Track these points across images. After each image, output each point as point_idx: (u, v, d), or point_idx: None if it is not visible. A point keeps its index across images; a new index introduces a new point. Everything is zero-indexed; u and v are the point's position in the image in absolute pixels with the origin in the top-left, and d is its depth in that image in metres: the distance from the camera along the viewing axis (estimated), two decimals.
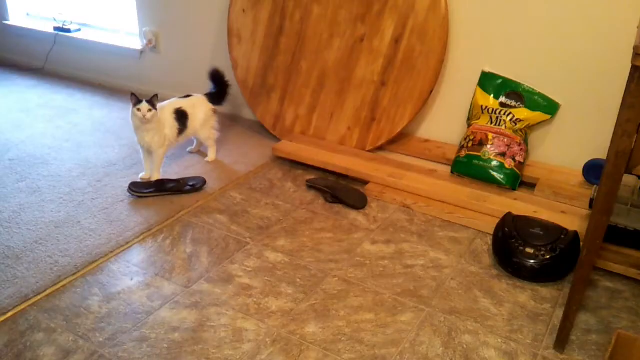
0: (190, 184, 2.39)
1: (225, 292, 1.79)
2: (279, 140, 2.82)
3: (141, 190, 2.33)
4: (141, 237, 2.07)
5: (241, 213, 2.25)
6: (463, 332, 1.66)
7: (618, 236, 1.94)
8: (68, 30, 3.66)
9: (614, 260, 1.89)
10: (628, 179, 1.99)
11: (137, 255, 1.96)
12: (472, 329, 1.67)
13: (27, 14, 3.99)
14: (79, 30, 3.71)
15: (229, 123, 3.12)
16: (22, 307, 1.70)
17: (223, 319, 1.67)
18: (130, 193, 2.33)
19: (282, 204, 2.34)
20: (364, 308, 1.74)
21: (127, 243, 2.02)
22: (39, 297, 1.74)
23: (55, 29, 3.69)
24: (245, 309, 1.71)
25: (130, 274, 1.86)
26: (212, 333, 1.61)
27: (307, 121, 2.82)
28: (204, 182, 2.43)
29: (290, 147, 2.69)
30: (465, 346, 1.60)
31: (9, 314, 1.67)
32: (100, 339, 1.58)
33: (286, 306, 1.74)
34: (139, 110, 2.28)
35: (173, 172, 2.54)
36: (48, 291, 1.77)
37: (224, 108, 3.23)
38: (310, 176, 2.54)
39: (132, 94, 2.29)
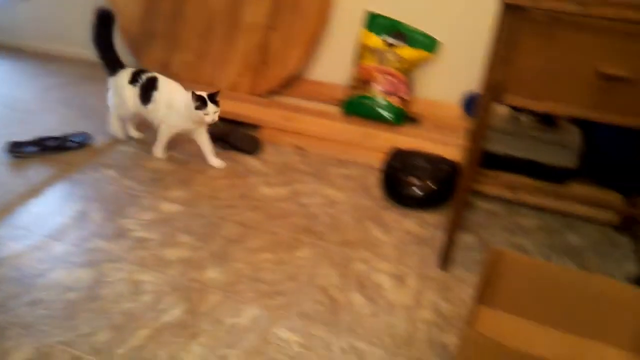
0: (75, 140, 2.27)
1: (121, 247, 1.76)
2: None
3: (21, 150, 2.19)
4: (24, 198, 1.96)
5: (132, 167, 2.19)
6: (357, 261, 1.76)
7: (493, 162, 2.10)
8: None
9: (490, 183, 2.06)
10: (503, 109, 2.16)
11: (22, 218, 1.86)
12: (365, 257, 1.77)
13: None
14: None
15: None
16: None
17: (120, 274, 1.65)
18: (9, 154, 2.18)
19: (175, 154, 2.30)
20: (263, 249, 1.79)
21: (10, 206, 1.91)
22: None
23: None
24: (143, 262, 1.70)
25: (16, 237, 1.77)
26: (109, 289, 1.59)
27: (196, 68, 2.74)
28: (90, 137, 2.32)
29: None
30: (359, 274, 1.71)
31: None
32: None
33: (185, 255, 1.74)
34: (206, 114, 2.03)
35: (54, 128, 2.40)
36: None
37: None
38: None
39: (193, 93, 2.01)
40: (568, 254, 1.86)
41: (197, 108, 2.01)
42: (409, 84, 2.55)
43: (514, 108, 2.16)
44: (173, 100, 2.12)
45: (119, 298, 1.56)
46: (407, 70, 2.55)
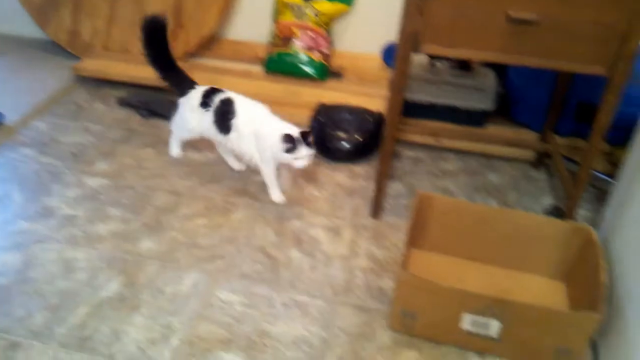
0: None
1: (48, 226, 1.70)
2: (78, 58, 2.60)
3: None
4: None
5: (50, 143, 2.09)
6: (292, 218, 1.79)
7: (415, 110, 2.17)
8: None
9: (413, 132, 2.13)
10: (420, 58, 2.21)
11: None
12: (299, 214, 1.81)
13: None
14: None
15: (15, 45, 2.78)
16: None
17: (50, 254, 1.60)
18: None
19: (94, 126, 2.21)
20: (197, 215, 1.78)
21: None
22: None
23: None
24: (73, 240, 1.65)
25: None
26: (41, 270, 1.54)
27: (107, 34, 2.61)
28: (1, 116, 2.19)
29: (93, 65, 2.50)
30: (295, 230, 1.74)
31: None
32: None
33: (116, 228, 1.71)
34: (297, 159, 1.67)
35: None
36: None
37: (8, 29, 2.87)
38: (120, 93, 2.41)
39: (284, 135, 1.65)
40: (490, 192, 1.97)
41: (286, 151, 1.68)
42: (328, 38, 2.55)
43: (431, 56, 2.22)
44: (260, 132, 1.76)
45: (51, 278, 1.52)
46: (326, 24, 2.54)
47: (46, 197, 1.82)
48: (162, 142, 2.11)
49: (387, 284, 1.57)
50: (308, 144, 1.67)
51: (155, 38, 1.84)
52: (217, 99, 1.80)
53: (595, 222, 1.66)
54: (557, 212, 1.81)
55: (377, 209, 1.81)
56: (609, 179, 1.86)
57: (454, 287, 1.32)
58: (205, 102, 1.81)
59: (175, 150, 2.02)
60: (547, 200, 1.94)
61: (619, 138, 1.74)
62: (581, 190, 1.64)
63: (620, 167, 1.56)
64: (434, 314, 1.37)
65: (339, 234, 1.74)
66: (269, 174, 1.80)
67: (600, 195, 1.86)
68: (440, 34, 1.46)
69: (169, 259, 1.61)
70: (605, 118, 1.49)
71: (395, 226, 1.78)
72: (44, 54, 2.72)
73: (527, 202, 1.94)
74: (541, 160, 2.11)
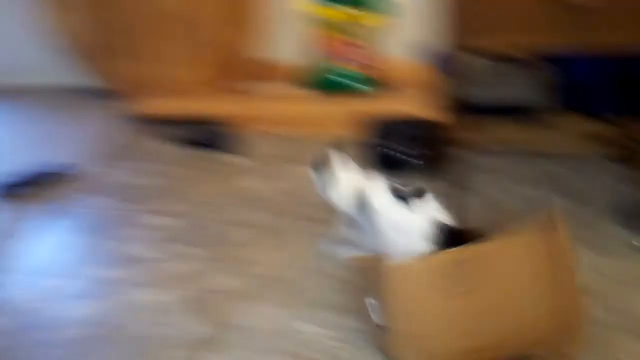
0: (56, 170, 2.19)
1: (128, 272, 1.71)
2: (131, 101, 2.65)
3: (11, 189, 2.11)
4: (23, 238, 1.89)
5: (122, 187, 2.13)
6: None
7: (478, 112, 2.04)
8: None
9: (481, 138, 2.02)
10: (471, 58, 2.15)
11: (26, 259, 1.80)
12: None
13: None
14: None
15: (78, 96, 2.84)
16: None
17: (134, 299, 1.61)
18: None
19: (162, 166, 2.24)
20: (275, 248, 1.78)
21: (13, 247, 1.84)
22: None
23: None
24: (155, 283, 1.66)
25: (24, 281, 1.71)
26: (127, 316, 1.55)
27: (163, 75, 2.65)
28: (69, 166, 2.23)
29: (149, 106, 2.55)
30: None
31: None
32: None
33: (196, 267, 1.71)
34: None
35: (24, 162, 2.29)
36: None
37: (59, 81, 2.94)
38: (174, 130, 2.43)
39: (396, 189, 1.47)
40: (575, 198, 1.87)
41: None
42: (375, 51, 2.53)
43: (482, 55, 2.16)
44: None
45: (139, 324, 1.53)
46: (368, 36, 2.52)
47: (123, 242, 1.84)
48: (228, 176, 2.12)
49: None
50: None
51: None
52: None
53: None
54: None
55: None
56: None
57: None
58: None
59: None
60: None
61: None
62: None
63: None
64: None
65: None
66: None
67: None
68: (492, 27, 1.41)
69: (251, 296, 1.60)
70: None
71: None
72: (97, 100, 2.76)
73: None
74: (624, 155, 1.99)
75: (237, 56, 2.58)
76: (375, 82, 2.46)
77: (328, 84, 2.48)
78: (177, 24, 2.55)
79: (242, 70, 2.61)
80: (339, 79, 2.45)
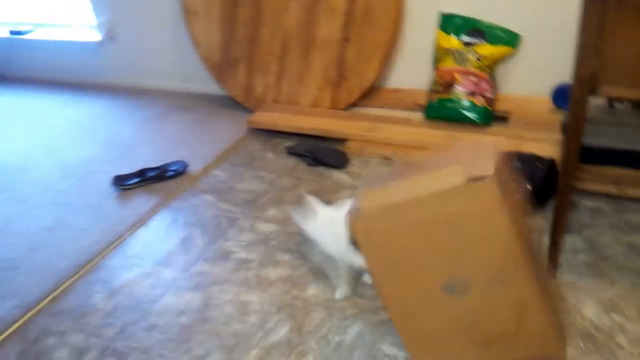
0: (172, 168, 2.40)
1: (225, 269, 1.83)
2: (252, 112, 2.83)
3: (125, 182, 2.34)
4: (133, 228, 2.09)
5: (227, 190, 2.28)
6: None
7: (593, 156, 1.99)
8: (20, 32, 3.57)
9: (592, 179, 1.96)
10: (599, 100, 2.05)
11: (132, 247, 1.99)
12: None
13: None
14: (32, 30, 3.61)
15: (199, 101, 3.11)
16: (29, 315, 1.73)
17: (226, 296, 1.72)
18: (114, 187, 2.34)
19: (265, 174, 2.37)
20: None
21: (120, 237, 2.05)
22: (43, 302, 1.77)
23: (12, 32, 3.58)
24: (247, 283, 1.76)
25: (129, 266, 1.89)
26: (218, 311, 1.66)
27: (277, 88, 2.81)
28: (186, 165, 2.44)
29: (264, 117, 2.70)
30: None
31: (17, 324, 1.70)
32: (111, 334, 1.62)
33: (285, 273, 1.79)
34: None
35: (152, 159, 2.54)
36: (51, 296, 1.80)
37: (192, 87, 3.23)
38: (289, 143, 2.56)
39: None
40: None
41: None
42: (492, 82, 2.48)
43: (610, 97, 2.04)
44: None
45: (228, 319, 1.63)
46: (489, 67, 2.48)
47: (224, 241, 1.97)
48: (327, 190, 2.19)
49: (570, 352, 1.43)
50: None
51: None
52: None
53: None
54: None
55: (552, 266, 1.67)
56: None
57: None
58: None
59: None
60: None
61: None
62: None
63: None
64: None
65: None
66: None
67: None
68: (621, 74, 1.34)
69: (335, 307, 1.63)
70: None
71: (574, 286, 1.63)
72: (223, 108, 3.00)
73: None
74: None
75: (362, 81, 2.65)
76: (489, 113, 2.40)
77: (442, 112, 2.46)
78: (305, 45, 2.70)
79: (360, 95, 2.67)
80: (452, 108, 2.42)
